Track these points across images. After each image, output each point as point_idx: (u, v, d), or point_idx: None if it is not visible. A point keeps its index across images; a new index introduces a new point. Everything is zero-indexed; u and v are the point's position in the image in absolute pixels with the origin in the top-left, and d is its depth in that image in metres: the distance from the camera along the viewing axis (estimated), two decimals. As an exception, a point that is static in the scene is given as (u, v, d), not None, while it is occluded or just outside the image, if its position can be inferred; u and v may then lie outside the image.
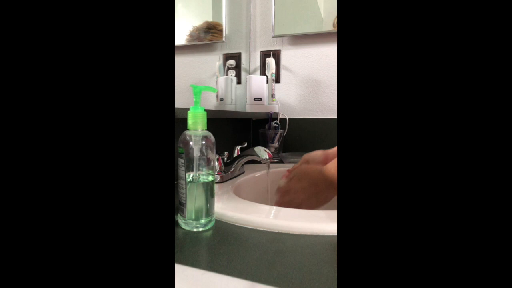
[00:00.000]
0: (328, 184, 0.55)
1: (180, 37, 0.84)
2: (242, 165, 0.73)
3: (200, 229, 0.41)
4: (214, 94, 0.98)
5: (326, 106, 1.08)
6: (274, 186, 0.65)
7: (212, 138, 0.43)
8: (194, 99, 0.43)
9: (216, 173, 0.65)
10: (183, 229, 0.41)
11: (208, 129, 0.43)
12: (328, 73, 1.07)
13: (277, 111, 1.08)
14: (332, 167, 0.55)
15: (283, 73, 1.13)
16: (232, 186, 0.63)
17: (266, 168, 0.74)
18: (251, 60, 1.15)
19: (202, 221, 0.41)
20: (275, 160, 0.95)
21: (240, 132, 1.01)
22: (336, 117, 1.04)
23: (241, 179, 0.71)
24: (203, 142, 0.42)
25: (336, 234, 0.39)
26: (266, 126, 1.07)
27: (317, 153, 0.65)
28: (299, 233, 0.40)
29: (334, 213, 0.44)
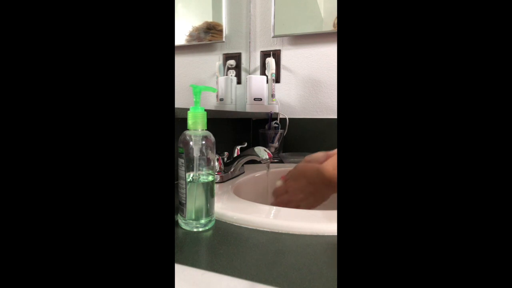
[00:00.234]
0: (326, 182, 0.55)
1: (180, 37, 0.84)
2: (242, 165, 0.73)
3: (200, 229, 0.41)
4: (214, 94, 0.98)
5: (326, 106, 1.08)
6: (274, 186, 0.65)
7: (212, 138, 0.43)
8: (194, 99, 0.43)
9: (216, 173, 0.65)
10: (183, 229, 0.41)
11: (208, 129, 0.43)
12: (328, 73, 1.07)
13: (277, 111, 1.08)
14: (329, 165, 0.55)
15: (283, 73, 1.13)
16: (232, 186, 0.63)
17: (266, 168, 0.74)
18: (251, 60, 1.15)
19: (202, 221, 0.41)
20: (275, 160, 0.95)
21: (240, 132, 1.01)
22: (336, 117, 1.04)
23: (241, 179, 0.71)
24: (203, 142, 0.42)
25: (336, 234, 0.39)
26: (266, 126, 1.07)
27: (319, 155, 0.65)
28: (299, 233, 0.40)
29: (334, 213, 0.44)
